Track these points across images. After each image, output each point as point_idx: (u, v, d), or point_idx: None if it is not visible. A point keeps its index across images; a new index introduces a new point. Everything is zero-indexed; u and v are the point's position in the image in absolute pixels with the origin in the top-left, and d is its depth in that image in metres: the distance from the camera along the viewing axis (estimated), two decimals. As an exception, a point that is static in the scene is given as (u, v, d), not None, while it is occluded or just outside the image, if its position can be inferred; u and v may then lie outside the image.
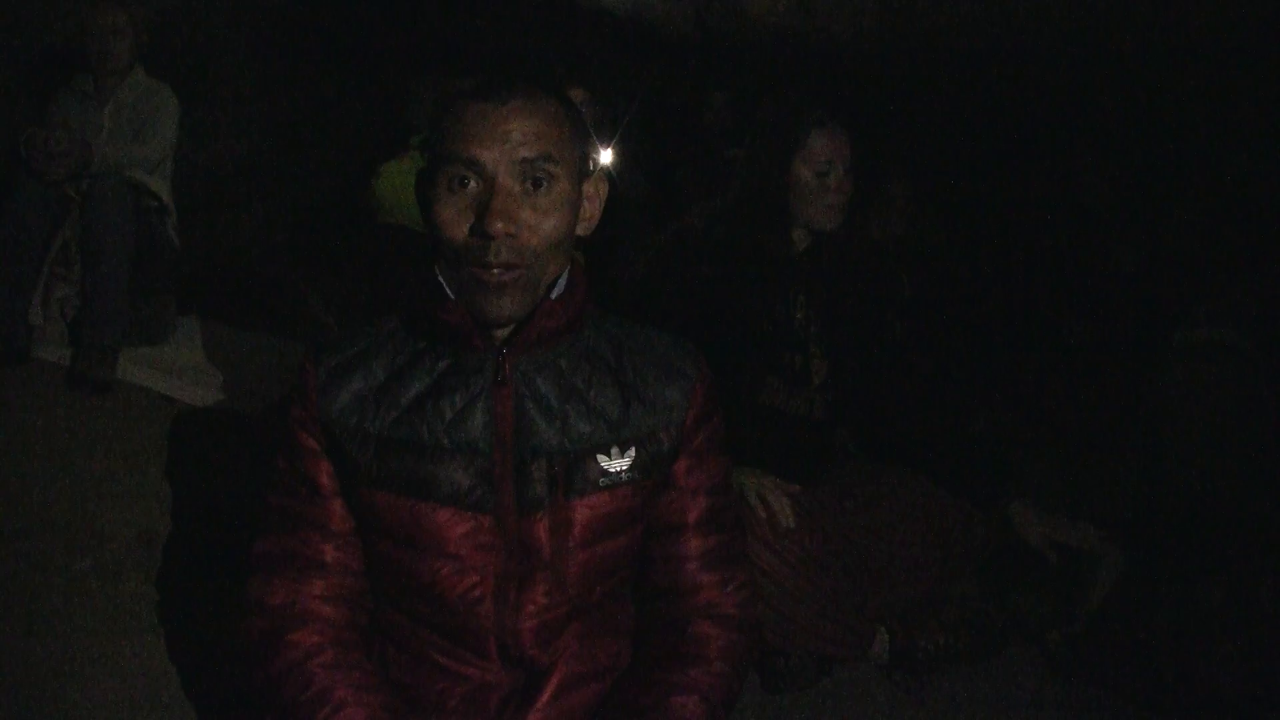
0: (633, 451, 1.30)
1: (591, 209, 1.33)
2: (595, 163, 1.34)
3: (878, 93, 4.87)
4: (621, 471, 1.29)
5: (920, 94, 4.79)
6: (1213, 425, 2.31)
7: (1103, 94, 4.08)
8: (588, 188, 1.32)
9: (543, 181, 1.23)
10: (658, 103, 5.16)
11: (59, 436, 2.59)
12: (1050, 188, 4.08)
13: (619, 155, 4.43)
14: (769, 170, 2.22)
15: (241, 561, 1.37)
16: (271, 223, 4.58)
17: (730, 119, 4.71)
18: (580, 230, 1.31)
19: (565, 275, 1.31)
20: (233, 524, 2.18)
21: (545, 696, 1.30)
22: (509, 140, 1.21)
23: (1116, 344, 2.85)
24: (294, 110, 4.82)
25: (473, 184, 1.22)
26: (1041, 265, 3.79)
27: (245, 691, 1.32)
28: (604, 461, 1.29)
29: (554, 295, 1.28)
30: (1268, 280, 2.57)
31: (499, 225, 1.19)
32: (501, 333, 1.28)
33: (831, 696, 2.01)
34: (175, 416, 2.80)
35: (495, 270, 1.21)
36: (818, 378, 2.22)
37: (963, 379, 3.15)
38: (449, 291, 1.27)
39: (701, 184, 4.27)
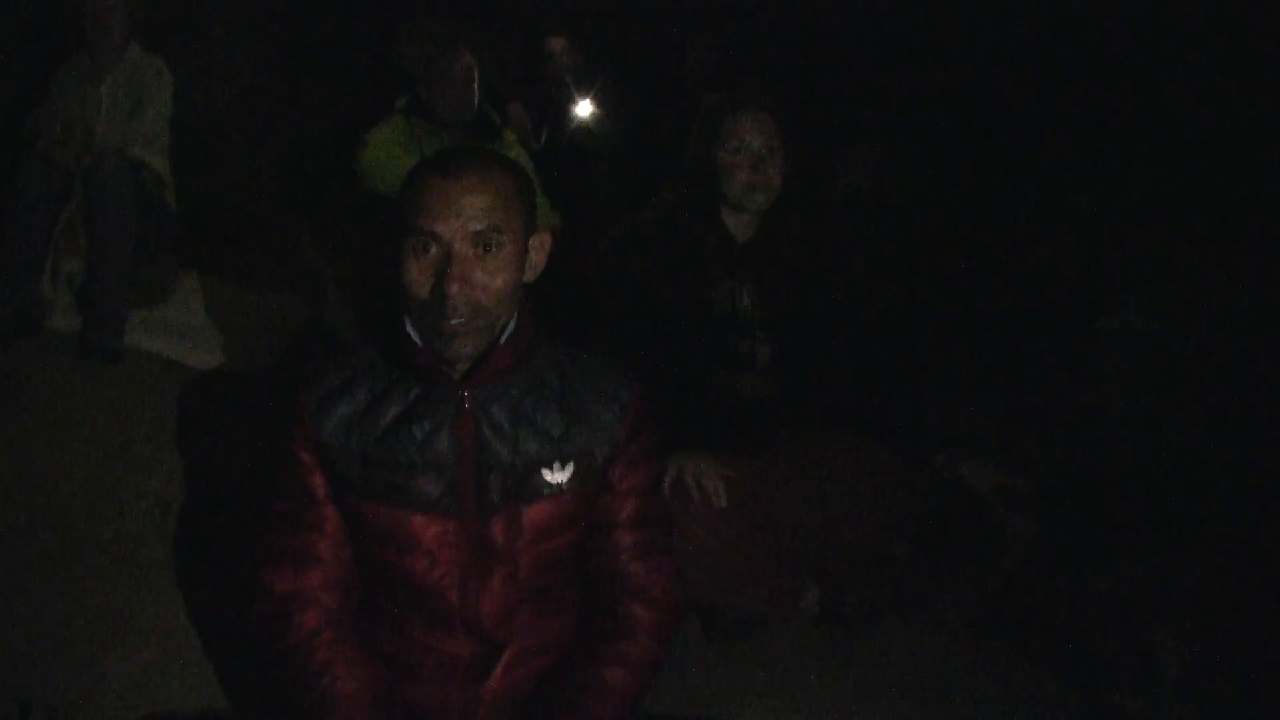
0: (572, 466, 1.55)
1: (537, 260, 1.57)
2: (537, 222, 1.56)
3: (865, 38, 4.93)
4: (563, 483, 1.55)
5: (909, 41, 4.83)
6: (1134, 406, 2.55)
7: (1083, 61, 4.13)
8: (533, 242, 1.55)
9: (492, 246, 1.46)
10: (638, 47, 5.15)
11: (76, 406, 2.78)
12: (1020, 141, 4.16)
13: (597, 105, 4.46)
14: (697, 161, 2.40)
15: (250, 530, 1.61)
16: (264, 167, 4.61)
17: (712, 64, 4.64)
18: (527, 278, 1.55)
19: (514, 319, 1.55)
20: (241, 490, 2.44)
21: (502, 665, 1.57)
22: (462, 214, 1.44)
23: (1047, 325, 3.04)
24: (284, 52, 4.84)
25: (434, 250, 1.46)
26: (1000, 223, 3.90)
27: (257, 661, 1.60)
28: (548, 475, 1.54)
29: (504, 338, 1.52)
30: (1191, 273, 2.78)
31: (455, 288, 1.43)
32: (461, 367, 1.52)
33: (767, 646, 2.25)
34: (183, 382, 2.97)
35: (454, 322, 1.45)
36: (763, 361, 2.40)
37: (921, 332, 3.31)
38: (416, 339, 1.51)
39: (680, 134, 4.29)
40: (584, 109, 4.44)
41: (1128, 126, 3.80)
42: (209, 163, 4.17)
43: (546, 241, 1.59)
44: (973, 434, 2.74)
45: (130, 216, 3.16)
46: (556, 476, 1.55)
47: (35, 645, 2.01)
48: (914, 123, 4.45)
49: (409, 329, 1.52)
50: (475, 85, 3.60)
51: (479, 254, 1.46)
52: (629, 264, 2.41)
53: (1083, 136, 3.95)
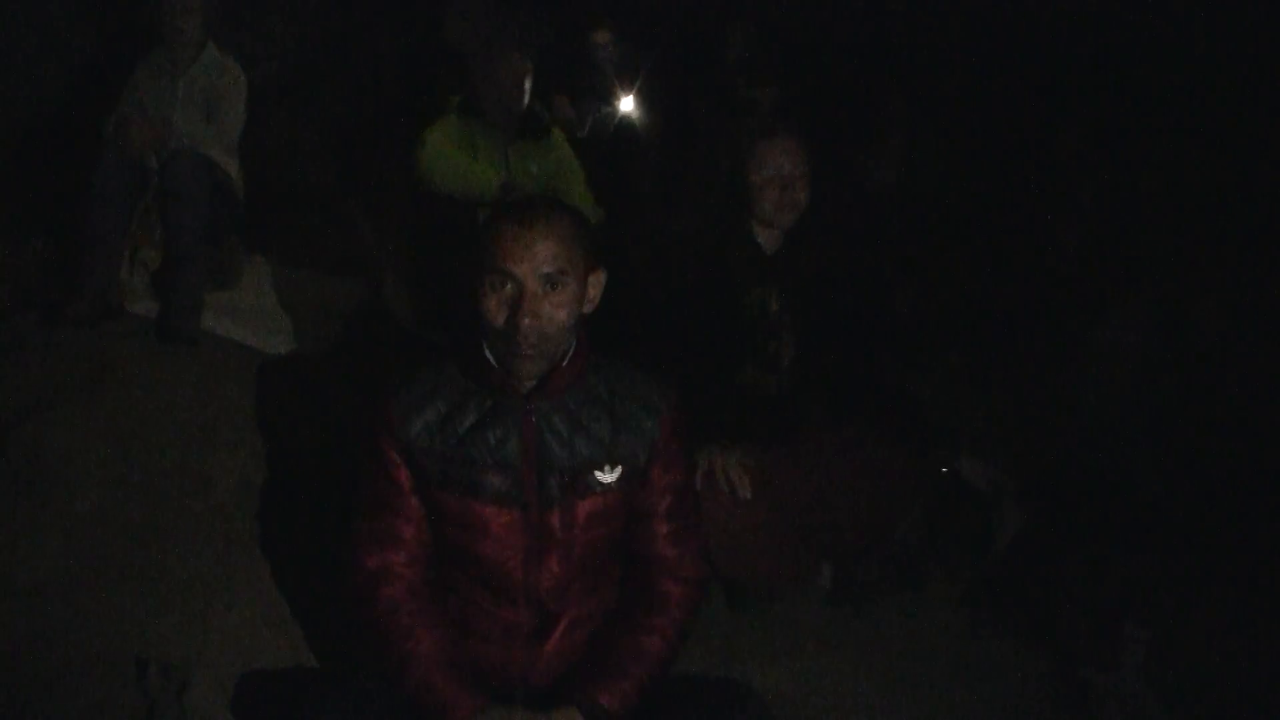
0: (620, 467, 1.84)
1: (594, 294, 1.85)
2: (597, 260, 1.84)
3: (892, 30, 5.00)
4: (611, 482, 1.84)
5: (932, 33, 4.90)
6: (1114, 412, 2.80)
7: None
8: (591, 280, 1.83)
9: (558, 285, 1.74)
10: (679, 38, 5.14)
11: (160, 389, 2.95)
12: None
13: (640, 100, 4.50)
14: (729, 180, 2.64)
15: (328, 504, 1.93)
16: (313, 146, 4.65)
17: (751, 54, 4.73)
18: (585, 310, 1.83)
19: (574, 344, 1.83)
20: (315, 469, 2.74)
21: (558, 632, 1.87)
22: (534, 258, 1.72)
23: (1041, 329, 3.27)
24: (327, 31, 4.95)
25: (509, 287, 1.74)
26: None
27: (349, 624, 1.90)
28: (599, 475, 1.83)
29: (565, 360, 1.81)
30: (1172, 287, 3.01)
31: (527, 321, 1.71)
32: (528, 384, 1.81)
33: (783, 616, 2.54)
34: (256, 365, 3.18)
35: (525, 349, 1.74)
36: (787, 360, 2.65)
37: (928, 331, 3.51)
38: (492, 362, 1.79)
39: (720, 126, 4.31)
40: (627, 103, 4.52)
41: (1138, 122, 3.94)
42: (260, 142, 4.17)
43: (601, 279, 1.87)
44: (969, 431, 3.00)
45: (204, 210, 3.35)
46: (606, 476, 1.84)
47: (144, 608, 2.27)
48: (937, 116, 4.56)
49: (486, 352, 1.80)
50: (525, 86, 3.70)
51: (547, 291, 1.74)
52: (665, 273, 2.67)
53: (1094, 130, 4.09)
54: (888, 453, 2.60)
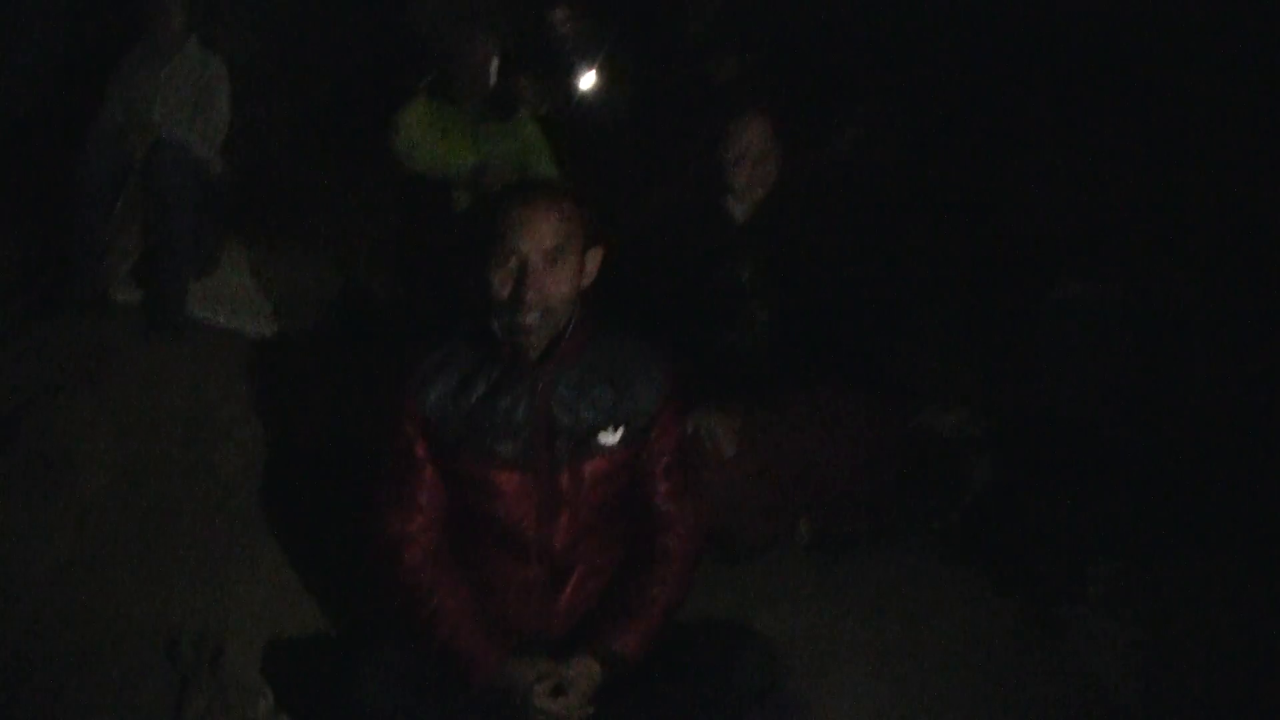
0: (621, 430, 1.97)
1: (592, 269, 1.97)
2: (595, 238, 1.97)
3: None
4: (614, 444, 1.97)
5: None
6: (1077, 366, 2.97)
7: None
8: (589, 255, 1.96)
9: (558, 261, 1.87)
10: (638, 12, 4.85)
11: (152, 376, 3.05)
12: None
13: (600, 75, 4.40)
14: (702, 156, 2.77)
15: (321, 481, 2.16)
16: (285, 130, 4.47)
17: (712, 26, 4.58)
18: (584, 283, 1.96)
19: (575, 315, 1.96)
20: (308, 450, 2.85)
21: (570, 586, 2.01)
22: (537, 235, 1.84)
23: (1007, 287, 3.39)
24: (293, 11, 4.78)
25: (513, 262, 1.86)
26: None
27: (371, 588, 2.03)
28: (603, 437, 1.96)
29: (569, 332, 1.93)
30: (1137, 240, 3.16)
31: (530, 294, 1.84)
32: (534, 354, 1.94)
33: (768, 567, 2.68)
34: (244, 351, 3.28)
35: (528, 320, 1.87)
36: (760, 324, 2.79)
37: (896, 290, 3.59)
38: (500, 336, 1.92)
39: (687, 103, 4.20)
40: (586, 80, 4.44)
41: (1104, 93, 3.89)
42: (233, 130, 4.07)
43: (598, 255, 1.99)
44: (938, 386, 3.15)
45: (188, 203, 3.39)
46: (609, 439, 1.97)
47: (166, 584, 2.39)
48: (902, 85, 4.47)
49: (493, 324, 1.93)
50: (492, 68, 3.75)
51: (549, 266, 1.86)
52: (643, 247, 2.81)
53: (1060, 100, 4.10)
54: (861, 411, 2.73)
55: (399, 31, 4.66)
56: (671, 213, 2.85)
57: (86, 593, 2.39)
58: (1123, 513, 2.70)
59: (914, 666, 2.39)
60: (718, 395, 2.63)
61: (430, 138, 3.55)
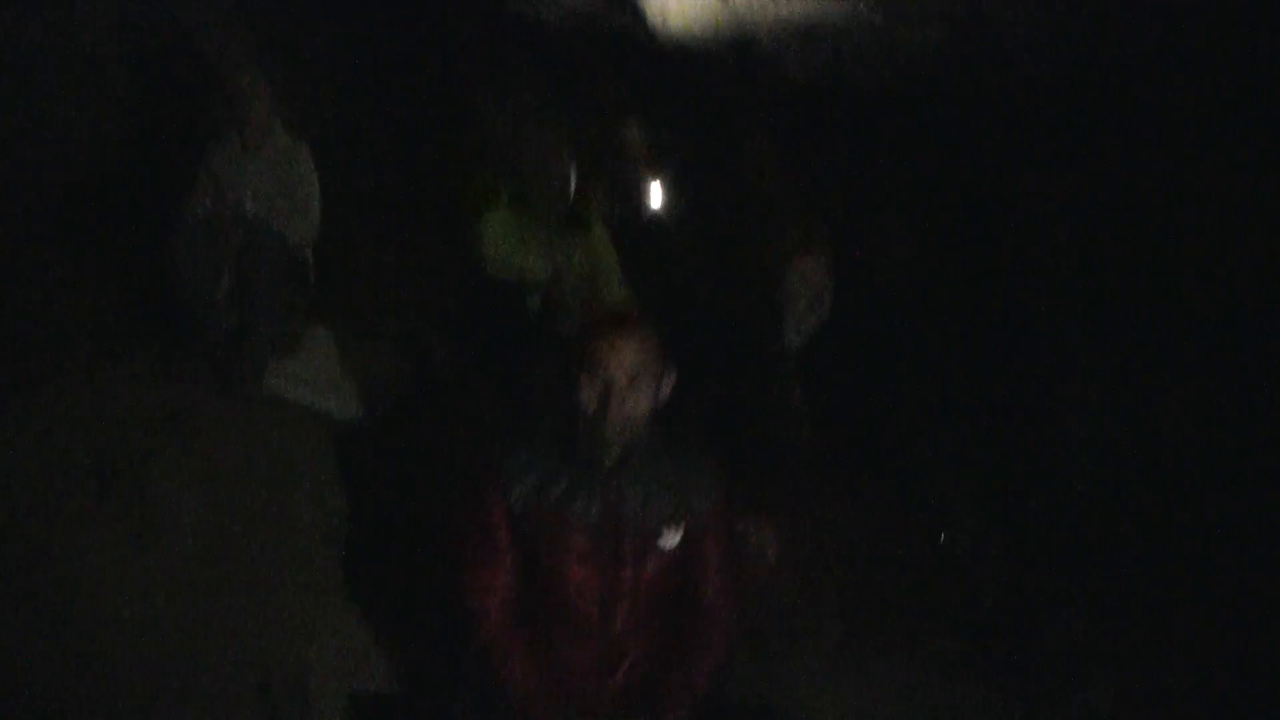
0: (681, 529, 2.23)
1: (665, 391, 2.24)
2: (668, 363, 2.23)
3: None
4: (673, 546, 2.23)
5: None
6: (1082, 493, 3.19)
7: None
8: (665, 380, 2.22)
9: (640, 385, 2.14)
10: (704, 132, 4.88)
11: (239, 441, 3.27)
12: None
13: (666, 190, 4.53)
14: (766, 276, 3.08)
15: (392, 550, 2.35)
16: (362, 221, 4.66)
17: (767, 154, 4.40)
18: (658, 403, 2.22)
19: (647, 430, 2.23)
20: (381, 520, 3.10)
21: (623, 668, 2.26)
22: (624, 362, 2.12)
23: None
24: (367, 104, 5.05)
25: (600, 382, 2.13)
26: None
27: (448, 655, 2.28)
28: (664, 540, 2.22)
29: (640, 445, 2.21)
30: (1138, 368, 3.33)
31: (614, 414, 2.12)
32: (609, 464, 2.20)
33: (799, 662, 2.92)
34: (322, 427, 3.51)
35: (610, 435, 2.14)
36: (807, 439, 3.10)
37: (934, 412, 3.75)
38: (580, 445, 2.18)
39: (750, 231, 3.94)
40: (654, 194, 4.63)
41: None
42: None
43: (672, 379, 2.26)
44: (958, 506, 3.36)
45: (279, 287, 3.65)
46: (669, 541, 2.23)
47: (255, 636, 2.62)
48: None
49: (576, 435, 2.19)
50: (571, 177, 3.86)
51: (631, 388, 2.14)
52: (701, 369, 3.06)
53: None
54: (887, 528, 3.03)
55: (467, 130, 4.92)
56: (728, 336, 3.09)
57: (178, 642, 2.61)
58: (1128, 631, 2.89)
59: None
60: (763, 502, 2.86)
61: (511, 246, 3.68)
